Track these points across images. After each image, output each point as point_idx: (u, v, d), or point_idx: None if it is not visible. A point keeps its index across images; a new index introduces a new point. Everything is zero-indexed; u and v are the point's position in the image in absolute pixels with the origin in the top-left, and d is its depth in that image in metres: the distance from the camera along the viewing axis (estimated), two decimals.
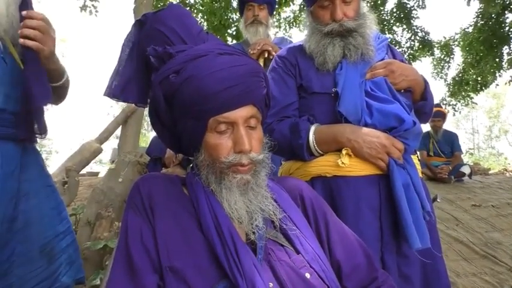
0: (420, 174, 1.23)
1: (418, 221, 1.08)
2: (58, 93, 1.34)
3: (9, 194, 1.16)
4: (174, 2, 7.49)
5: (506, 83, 9.01)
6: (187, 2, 7.98)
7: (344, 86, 1.20)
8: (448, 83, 10.19)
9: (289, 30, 9.66)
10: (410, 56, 9.51)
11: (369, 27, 1.27)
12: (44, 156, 1.41)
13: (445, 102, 10.24)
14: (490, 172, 6.77)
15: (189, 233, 0.80)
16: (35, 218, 1.23)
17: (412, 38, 9.56)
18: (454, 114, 10.78)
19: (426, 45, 9.49)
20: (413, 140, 1.18)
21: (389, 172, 1.12)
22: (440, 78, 10.35)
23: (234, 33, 7.92)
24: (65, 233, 1.33)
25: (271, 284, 0.75)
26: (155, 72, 0.87)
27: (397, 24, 9.53)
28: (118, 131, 5.35)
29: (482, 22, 8.78)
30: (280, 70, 1.34)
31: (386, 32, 9.24)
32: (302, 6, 8.54)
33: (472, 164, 7.06)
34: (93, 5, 7.20)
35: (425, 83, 1.33)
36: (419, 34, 9.50)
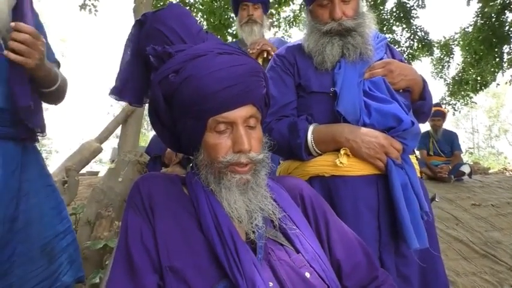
0: (418, 174, 1.23)
1: (416, 221, 1.08)
2: (53, 97, 1.34)
3: (10, 193, 1.16)
4: (174, 2, 7.48)
5: (506, 83, 9.01)
6: (187, 1, 7.98)
7: (342, 85, 1.20)
8: (448, 82, 10.20)
9: (289, 30, 9.67)
10: (410, 56, 9.51)
11: (368, 26, 1.27)
12: (43, 155, 1.41)
13: (444, 101, 10.24)
14: (489, 171, 6.77)
15: (189, 232, 0.80)
16: (35, 217, 1.23)
17: (412, 37, 9.56)
18: (453, 114, 10.79)
19: (425, 45, 9.49)
20: (411, 140, 1.18)
21: (387, 172, 1.12)
22: (440, 78, 10.36)
23: (234, 32, 7.91)
24: (65, 232, 1.34)
25: (271, 284, 0.75)
26: (154, 72, 0.87)
27: (397, 23, 9.53)
28: (118, 131, 5.35)
29: (482, 22, 8.77)
30: (278, 69, 1.34)
31: (385, 32, 9.23)
32: (302, 5, 8.54)
33: (471, 163, 7.06)
34: (92, 4, 7.19)
35: (424, 82, 1.32)
36: (419, 34, 9.50)
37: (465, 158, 9.86)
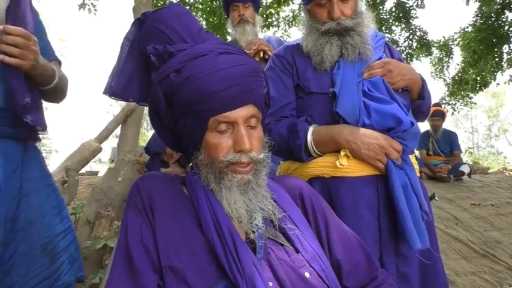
0: (418, 174, 1.23)
1: (417, 221, 1.08)
2: (53, 94, 1.33)
3: (11, 193, 1.16)
4: (174, 1, 7.48)
5: (505, 82, 9.02)
6: (186, 1, 7.98)
7: (341, 86, 1.20)
8: (448, 82, 10.20)
9: (288, 30, 9.66)
10: (408, 56, 9.51)
11: (366, 25, 1.26)
12: (43, 155, 1.41)
13: (444, 101, 10.25)
14: (489, 171, 6.78)
15: (188, 232, 0.80)
16: (36, 217, 1.24)
17: (410, 37, 9.56)
18: (452, 114, 10.79)
19: (424, 45, 9.49)
20: (411, 141, 1.18)
21: (387, 173, 1.12)
22: (439, 78, 10.36)
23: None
24: (66, 232, 1.34)
25: (270, 284, 0.75)
26: (155, 71, 0.87)
27: (396, 23, 9.53)
28: (118, 130, 5.34)
29: (482, 21, 8.77)
30: (277, 69, 1.34)
31: (384, 31, 9.23)
32: (301, 5, 8.52)
33: (471, 163, 7.07)
34: (92, 4, 7.19)
35: (423, 81, 1.32)
36: (418, 33, 9.50)
37: (465, 157, 9.86)
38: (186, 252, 0.78)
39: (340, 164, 1.14)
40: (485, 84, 9.55)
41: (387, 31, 9.41)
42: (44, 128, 1.26)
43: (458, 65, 10.01)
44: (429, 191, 1.29)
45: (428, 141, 5.31)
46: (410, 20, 9.36)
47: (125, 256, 0.79)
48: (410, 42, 9.59)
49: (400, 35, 9.69)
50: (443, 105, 8.79)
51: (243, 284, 0.71)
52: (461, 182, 4.90)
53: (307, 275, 0.78)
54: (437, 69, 10.36)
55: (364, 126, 1.17)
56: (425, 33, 9.49)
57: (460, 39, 9.65)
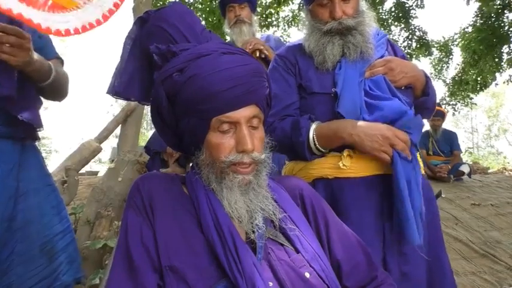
0: (423, 171, 1.22)
1: (417, 217, 1.07)
2: (51, 91, 1.33)
3: (7, 193, 1.16)
4: (174, 0, 7.47)
5: (504, 82, 9.02)
6: (186, 0, 7.98)
7: (343, 86, 1.20)
8: (448, 83, 10.21)
9: (287, 30, 9.67)
10: (408, 56, 9.50)
11: (368, 25, 1.26)
12: (43, 155, 1.41)
13: (444, 102, 10.25)
14: (489, 171, 6.78)
15: (189, 232, 0.80)
16: (35, 217, 1.24)
17: (410, 37, 9.56)
18: (453, 114, 10.80)
19: (423, 45, 9.49)
20: (416, 130, 1.15)
21: (392, 165, 1.09)
22: (439, 79, 10.37)
23: None
24: (65, 232, 1.34)
25: (270, 284, 0.74)
26: (158, 71, 0.86)
27: (395, 23, 9.54)
28: (117, 130, 5.34)
29: (482, 22, 8.78)
30: (280, 69, 1.34)
31: (383, 31, 9.23)
32: (301, 5, 8.54)
33: (471, 163, 7.07)
34: None
35: (427, 78, 1.31)
36: (417, 34, 9.51)
37: (464, 157, 9.87)
38: (186, 252, 0.77)
39: (343, 165, 1.14)
40: (485, 85, 9.56)
41: (386, 31, 9.41)
42: (38, 125, 1.26)
43: (458, 65, 10.02)
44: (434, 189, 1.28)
45: (428, 141, 5.31)
46: (410, 20, 9.37)
47: (125, 256, 0.79)
48: (409, 42, 9.60)
49: (399, 35, 9.70)
50: (443, 106, 8.79)
51: (243, 284, 0.71)
52: (461, 182, 4.90)
53: (307, 275, 0.78)
54: (437, 70, 10.37)
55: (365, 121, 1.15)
56: (425, 33, 9.50)
57: (460, 39, 9.66)
